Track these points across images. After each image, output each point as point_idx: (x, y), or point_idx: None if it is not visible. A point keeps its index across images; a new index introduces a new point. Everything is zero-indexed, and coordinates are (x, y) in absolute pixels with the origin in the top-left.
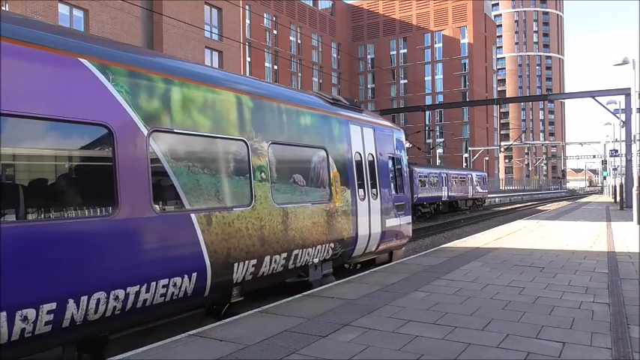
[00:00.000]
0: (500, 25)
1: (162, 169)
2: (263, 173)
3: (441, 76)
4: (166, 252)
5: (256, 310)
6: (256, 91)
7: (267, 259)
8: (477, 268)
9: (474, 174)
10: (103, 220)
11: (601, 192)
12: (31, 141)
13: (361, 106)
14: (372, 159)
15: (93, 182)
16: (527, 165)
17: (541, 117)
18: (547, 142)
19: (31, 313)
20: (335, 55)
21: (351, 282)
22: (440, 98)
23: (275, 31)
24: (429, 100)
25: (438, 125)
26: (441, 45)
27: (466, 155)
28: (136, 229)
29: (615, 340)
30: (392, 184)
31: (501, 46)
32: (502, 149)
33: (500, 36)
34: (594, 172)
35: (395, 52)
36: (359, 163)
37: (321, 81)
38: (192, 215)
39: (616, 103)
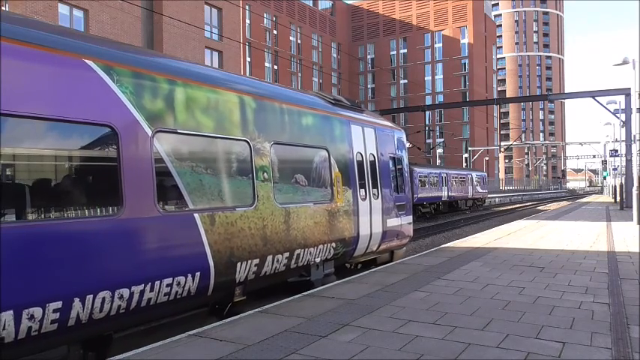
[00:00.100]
0: (500, 25)
1: (166, 169)
2: (265, 173)
3: (441, 76)
4: (170, 251)
5: (256, 310)
6: (258, 91)
7: (269, 258)
8: (477, 268)
9: (473, 174)
10: (108, 220)
11: (601, 192)
12: (38, 141)
13: (362, 106)
14: (373, 159)
15: (98, 182)
16: (527, 165)
17: (541, 117)
18: (547, 142)
19: (37, 311)
20: (335, 55)
21: (351, 282)
22: (440, 98)
23: (275, 31)
24: (429, 100)
25: (438, 125)
26: (441, 45)
27: (466, 155)
28: (141, 228)
29: (615, 340)
30: (393, 184)
31: (501, 46)
32: (502, 149)
33: (500, 36)
34: (594, 172)
35: (395, 52)
36: (360, 163)
37: (321, 81)
38: (196, 215)
39: (616, 103)
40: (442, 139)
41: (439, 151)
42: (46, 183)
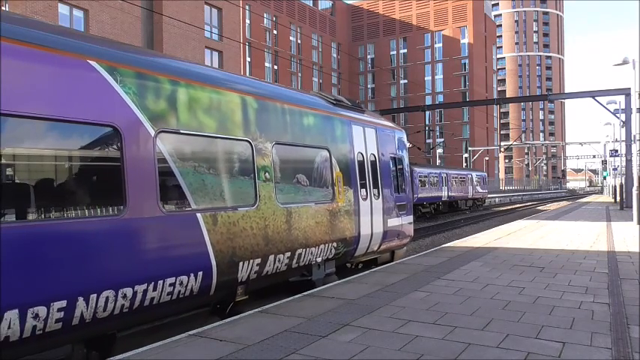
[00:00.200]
0: (500, 25)
1: (169, 169)
2: (267, 173)
3: (441, 76)
4: (173, 251)
5: (256, 310)
6: (260, 91)
7: (271, 258)
8: (477, 268)
9: (473, 174)
10: (111, 220)
11: (601, 192)
12: (42, 141)
13: (362, 106)
14: (374, 159)
15: (102, 182)
16: (527, 165)
17: (541, 117)
18: (547, 142)
19: (42, 310)
20: (335, 55)
21: (351, 282)
22: (440, 98)
23: (275, 31)
24: (429, 100)
25: (438, 125)
26: (441, 45)
27: (466, 155)
28: (144, 228)
29: (615, 340)
30: (394, 184)
31: (501, 46)
32: (502, 149)
33: (500, 36)
34: (594, 172)
35: (395, 52)
36: (361, 163)
37: (321, 81)
38: (199, 215)
39: (616, 103)
40: (442, 139)
41: (439, 151)
42: (50, 183)
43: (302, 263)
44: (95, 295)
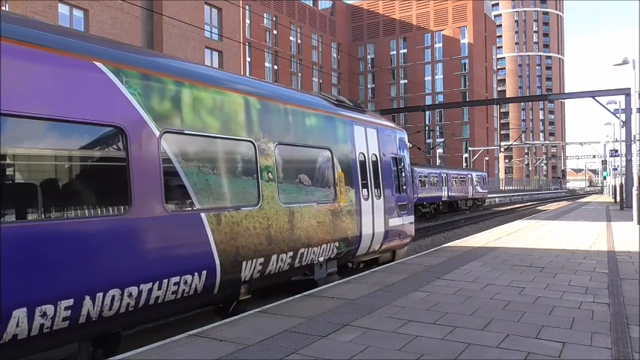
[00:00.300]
0: (500, 25)
1: (173, 170)
2: (270, 173)
3: (441, 76)
4: (177, 250)
5: (256, 310)
6: (263, 92)
7: (274, 257)
8: (477, 268)
9: (473, 174)
10: (117, 220)
11: (601, 192)
12: (49, 142)
13: (363, 106)
14: (375, 159)
15: (107, 182)
16: (527, 165)
17: (541, 117)
18: (547, 142)
19: (49, 309)
20: (335, 55)
21: (351, 282)
22: (440, 98)
23: (275, 31)
24: (429, 100)
25: (438, 125)
26: (441, 45)
27: (466, 155)
28: (149, 227)
29: (615, 340)
30: (395, 184)
31: (501, 46)
32: (502, 149)
33: (500, 36)
34: (594, 172)
35: (395, 52)
36: (363, 164)
37: (321, 81)
38: (203, 214)
39: (616, 103)
40: (442, 139)
41: (439, 151)
42: (58, 183)
43: (304, 263)
44: (101, 293)
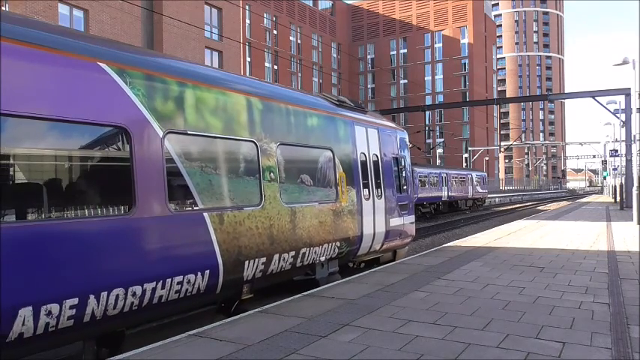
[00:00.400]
0: (500, 25)
1: (176, 170)
2: (272, 173)
3: (441, 76)
4: (181, 250)
5: (256, 310)
6: (265, 93)
7: (276, 257)
8: (477, 268)
9: (473, 174)
10: (121, 219)
11: (601, 192)
12: (53, 142)
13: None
14: (376, 159)
15: (112, 182)
16: (527, 165)
17: (541, 117)
18: (547, 142)
19: (54, 307)
20: (335, 55)
21: (351, 282)
22: (440, 98)
23: (275, 31)
24: (429, 100)
25: (438, 125)
26: (441, 45)
27: (466, 155)
28: (153, 227)
29: (615, 340)
30: (396, 184)
31: (501, 46)
32: (502, 149)
33: (500, 36)
34: (594, 172)
35: (395, 52)
36: (364, 164)
37: (321, 81)
38: (205, 214)
39: (616, 103)
40: (442, 139)
41: (439, 151)
42: (62, 183)
43: (306, 262)
44: (106, 292)
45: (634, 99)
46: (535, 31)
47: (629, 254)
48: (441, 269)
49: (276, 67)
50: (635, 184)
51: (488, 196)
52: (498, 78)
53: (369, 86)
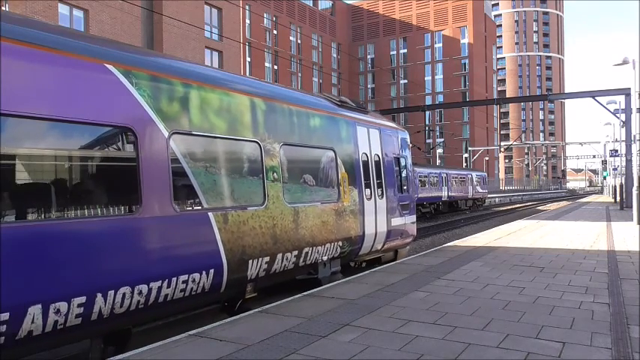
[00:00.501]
0: (500, 25)
1: (181, 170)
2: (275, 173)
3: (441, 76)
4: (186, 249)
5: (256, 310)
6: (268, 93)
7: (279, 256)
8: (477, 268)
9: (473, 174)
10: (127, 219)
11: (601, 192)
12: (61, 142)
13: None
14: (378, 159)
15: (118, 182)
16: (527, 165)
17: (541, 117)
18: (547, 142)
19: (63, 306)
20: (335, 55)
21: (351, 282)
22: (440, 98)
23: (275, 31)
24: (429, 100)
25: (438, 125)
26: (441, 45)
27: (466, 155)
28: (158, 227)
29: (615, 340)
30: (397, 184)
31: (501, 46)
32: (502, 149)
33: (500, 36)
34: (594, 172)
35: (395, 52)
36: (366, 164)
37: (321, 81)
38: (210, 214)
39: (616, 103)
40: (442, 139)
41: (439, 151)
42: (69, 183)
43: (309, 262)
44: (113, 291)
45: (634, 99)
46: (535, 31)
47: (629, 254)
48: (441, 269)
49: (276, 67)
50: (635, 184)
51: (489, 196)
52: (498, 78)
53: (369, 86)
